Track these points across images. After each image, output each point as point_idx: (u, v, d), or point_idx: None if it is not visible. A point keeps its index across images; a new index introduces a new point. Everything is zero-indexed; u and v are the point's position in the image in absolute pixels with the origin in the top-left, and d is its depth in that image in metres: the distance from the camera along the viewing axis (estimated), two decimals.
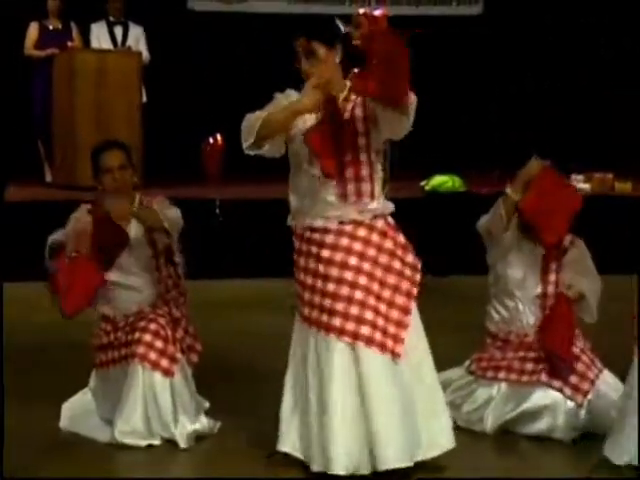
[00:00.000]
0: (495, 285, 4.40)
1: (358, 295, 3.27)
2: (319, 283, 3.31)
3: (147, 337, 3.82)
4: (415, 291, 3.41)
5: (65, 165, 7.71)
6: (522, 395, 4.18)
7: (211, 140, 8.15)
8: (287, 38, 3.47)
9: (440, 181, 8.09)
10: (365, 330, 3.26)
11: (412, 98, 3.18)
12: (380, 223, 3.35)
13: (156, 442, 3.77)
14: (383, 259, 3.38)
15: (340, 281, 3.30)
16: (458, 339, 5.02)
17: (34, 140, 8.20)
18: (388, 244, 3.36)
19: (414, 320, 3.38)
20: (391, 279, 3.36)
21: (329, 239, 3.32)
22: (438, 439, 3.45)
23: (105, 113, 7.45)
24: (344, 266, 3.30)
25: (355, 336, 3.24)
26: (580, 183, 7.19)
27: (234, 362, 5.16)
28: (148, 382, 3.78)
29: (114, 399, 3.85)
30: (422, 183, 7.99)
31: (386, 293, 3.34)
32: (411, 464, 3.26)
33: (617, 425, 3.80)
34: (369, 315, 3.26)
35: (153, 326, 3.85)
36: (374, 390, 3.27)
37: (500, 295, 4.40)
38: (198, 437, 3.87)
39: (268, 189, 7.35)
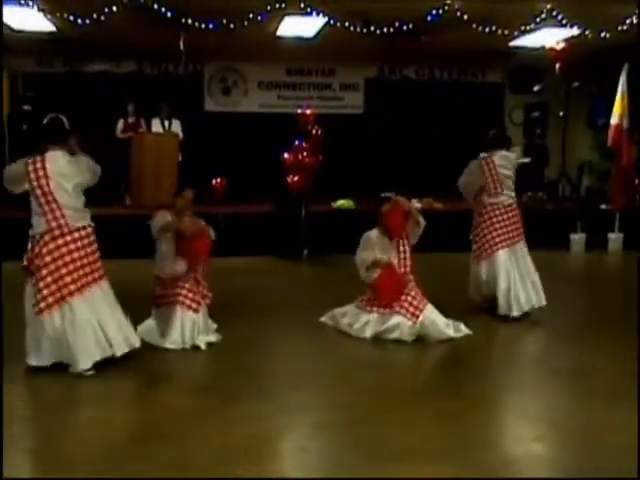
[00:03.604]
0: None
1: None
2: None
3: (184, 292, 4.71)
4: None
5: (136, 195, 9.75)
6: (385, 319, 5.00)
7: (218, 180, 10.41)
8: None
9: (342, 202, 10.37)
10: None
11: None
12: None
13: (186, 347, 4.63)
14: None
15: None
16: (350, 289, 5.58)
17: (119, 182, 10.22)
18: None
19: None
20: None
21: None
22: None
23: (160, 166, 9.41)
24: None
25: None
26: (416, 204, 8.80)
27: (231, 302, 5.92)
28: (182, 316, 4.66)
29: (165, 324, 4.66)
30: (332, 203, 10.38)
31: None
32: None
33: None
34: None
35: (187, 286, 4.74)
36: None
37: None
38: (210, 343, 4.75)
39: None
